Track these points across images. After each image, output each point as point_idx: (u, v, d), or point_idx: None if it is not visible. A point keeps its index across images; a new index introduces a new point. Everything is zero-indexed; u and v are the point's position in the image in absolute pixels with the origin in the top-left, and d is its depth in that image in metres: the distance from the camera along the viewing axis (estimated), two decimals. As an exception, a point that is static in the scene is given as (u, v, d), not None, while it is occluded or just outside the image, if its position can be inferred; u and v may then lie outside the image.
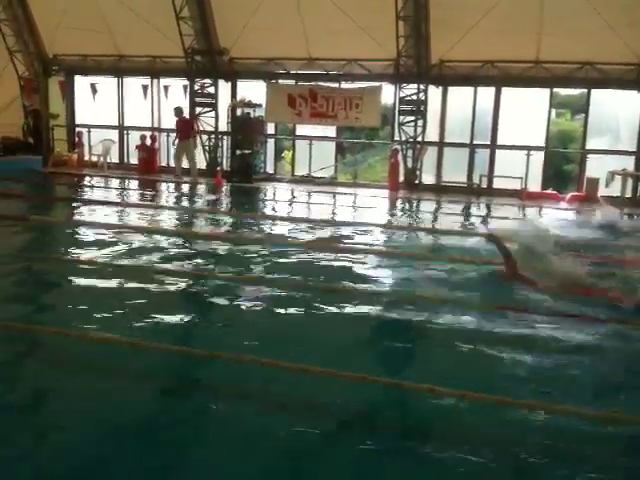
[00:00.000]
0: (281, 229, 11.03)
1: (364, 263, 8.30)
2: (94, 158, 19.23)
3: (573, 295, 6.64)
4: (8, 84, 18.79)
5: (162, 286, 6.93)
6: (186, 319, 6.11)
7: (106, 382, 4.53)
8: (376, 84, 16.68)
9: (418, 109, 16.31)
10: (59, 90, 19.49)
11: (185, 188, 16.54)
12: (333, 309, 6.22)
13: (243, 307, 6.32)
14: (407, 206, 15.11)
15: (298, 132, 18.10)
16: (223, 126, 17.93)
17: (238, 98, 17.66)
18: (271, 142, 18.46)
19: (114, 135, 19.33)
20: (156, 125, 18.95)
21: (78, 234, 9.86)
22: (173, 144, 17.83)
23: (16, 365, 4.91)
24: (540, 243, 7.48)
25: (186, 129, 17.33)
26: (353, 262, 8.24)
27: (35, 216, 11.08)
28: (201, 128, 17.87)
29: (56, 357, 5.07)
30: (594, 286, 6.88)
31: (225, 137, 18.06)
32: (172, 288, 6.95)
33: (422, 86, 16.18)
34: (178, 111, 17.33)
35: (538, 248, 7.38)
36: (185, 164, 17.47)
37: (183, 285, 7.10)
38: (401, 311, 6.23)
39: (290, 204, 14.77)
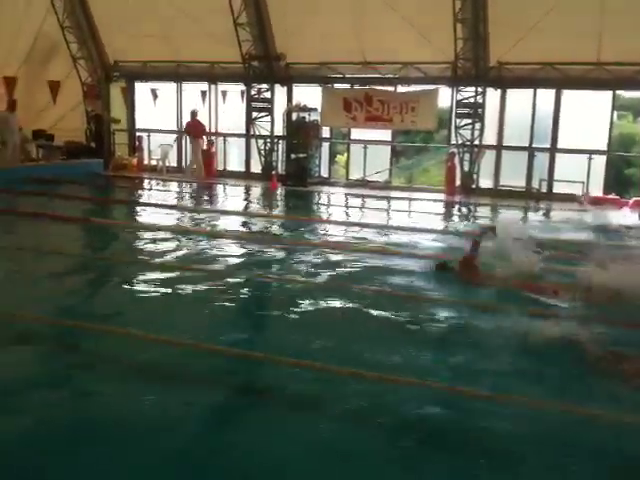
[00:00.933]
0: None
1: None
2: (153, 162, 19.65)
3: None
4: (72, 90, 19.38)
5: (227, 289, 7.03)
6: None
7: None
8: (432, 87, 16.52)
9: (475, 112, 16.12)
10: (121, 95, 19.99)
11: (242, 191, 16.69)
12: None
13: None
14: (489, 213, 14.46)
15: (353, 136, 18.10)
16: (279, 130, 18.09)
17: (293, 102, 17.78)
18: (325, 146, 18.51)
19: (173, 140, 19.71)
20: (214, 130, 19.20)
21: (137, 235, 10.06)
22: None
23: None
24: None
25: (199, 129, 18.27)
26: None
27: (96, 218, 11.38)
28: (257, 132, 18.10)
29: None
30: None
31: (280, 141, 18.21)
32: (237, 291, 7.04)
33: (480, 89, 16.00)
34: (193, 113, 18.26)
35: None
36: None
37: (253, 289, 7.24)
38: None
39: (353, 209, 14.71)
